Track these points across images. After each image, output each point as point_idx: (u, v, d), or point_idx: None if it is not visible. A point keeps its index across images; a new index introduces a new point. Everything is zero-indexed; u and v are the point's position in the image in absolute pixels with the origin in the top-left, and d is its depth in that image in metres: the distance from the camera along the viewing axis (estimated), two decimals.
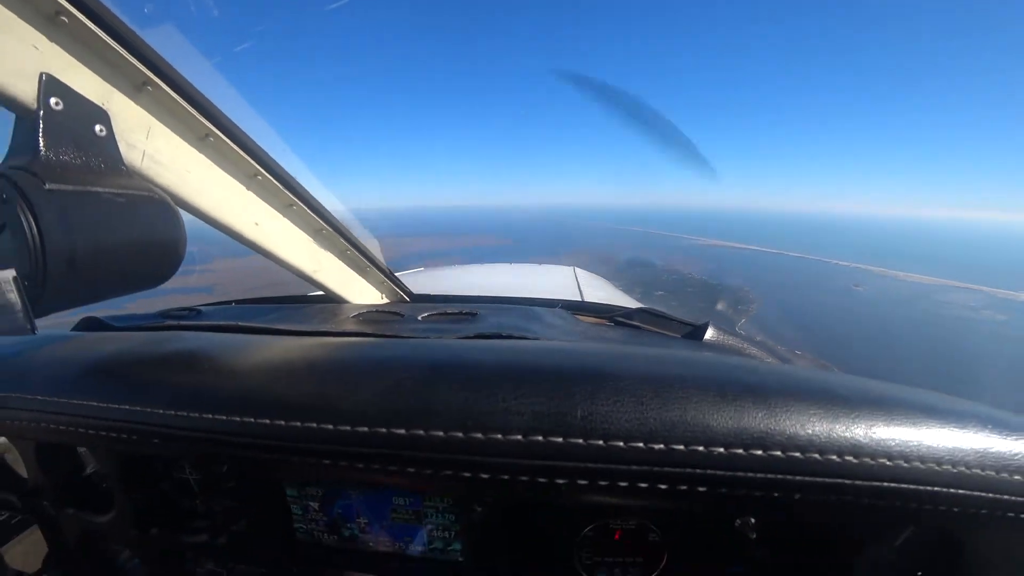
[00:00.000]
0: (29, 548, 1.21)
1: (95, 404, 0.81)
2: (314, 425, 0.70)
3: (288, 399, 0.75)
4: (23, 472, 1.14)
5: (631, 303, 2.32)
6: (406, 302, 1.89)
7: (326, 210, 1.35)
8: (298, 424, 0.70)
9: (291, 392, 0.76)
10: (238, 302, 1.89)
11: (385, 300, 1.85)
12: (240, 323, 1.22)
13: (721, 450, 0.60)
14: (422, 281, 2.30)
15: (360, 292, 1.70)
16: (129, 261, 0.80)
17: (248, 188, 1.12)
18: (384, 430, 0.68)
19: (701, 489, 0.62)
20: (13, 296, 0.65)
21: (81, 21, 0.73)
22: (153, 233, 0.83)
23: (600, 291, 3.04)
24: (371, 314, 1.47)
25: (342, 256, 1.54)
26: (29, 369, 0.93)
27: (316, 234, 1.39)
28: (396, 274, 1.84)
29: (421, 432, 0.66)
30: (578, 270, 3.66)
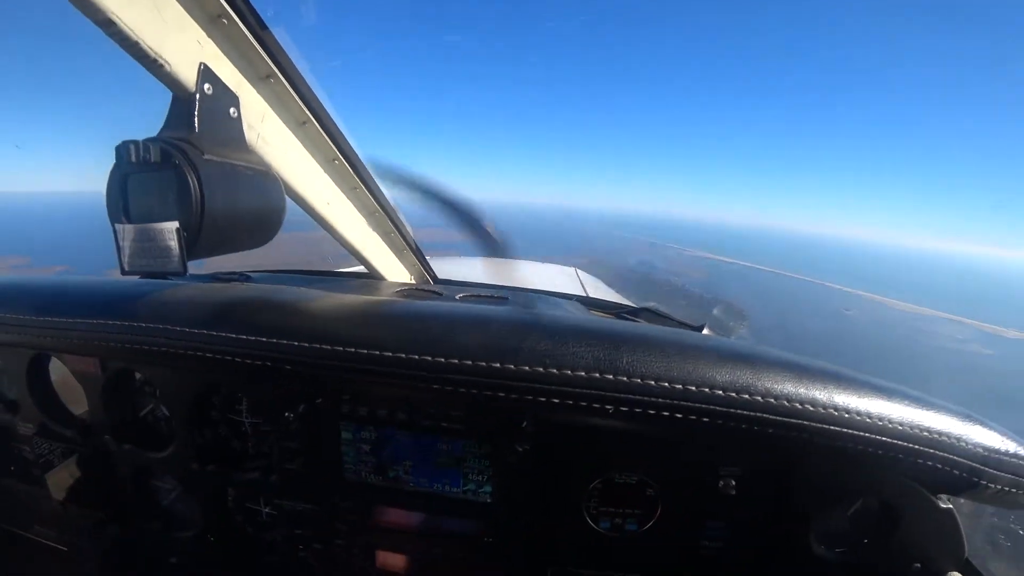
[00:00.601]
0: (66, 478, 1.30)
1: (232, 336, 0.95)
2: (442, 359, 0.88)
3: (407, 341, 0.91)
4: (81, 409, 1.29)
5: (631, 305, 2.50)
6: (432, 284, 2.05)
7: (381, 193, 1.52)
8: (429, 358, 0.88)
9: (409, 333, 0.93)
10: (271, 271, 2.05)
11: (413, 281, 2.02)
12: (321, 288, 1.37)
13: (720, 392, 0.81)
14: (435, 267, 2.47)
15: (395, 271, 1.88)
16: (252, 222, 0.97)
17: (326, 171, 1.29)
18: (484, 364, 0.86)
19: (705, 420, 0.82)
20: (174, 243, 0.83)
21: (236, 21, 0.89)
22: (268, 201, 1.01)
23: (601, 291, 3.22)
24: (413, 291, 1.64)
25: (386, 237, 1.71)
26: (179, 305, 1.07)
27: (370, 216, 1.56)
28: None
29: (512, 366, 0.85)
30: (579, 271, 3.82)
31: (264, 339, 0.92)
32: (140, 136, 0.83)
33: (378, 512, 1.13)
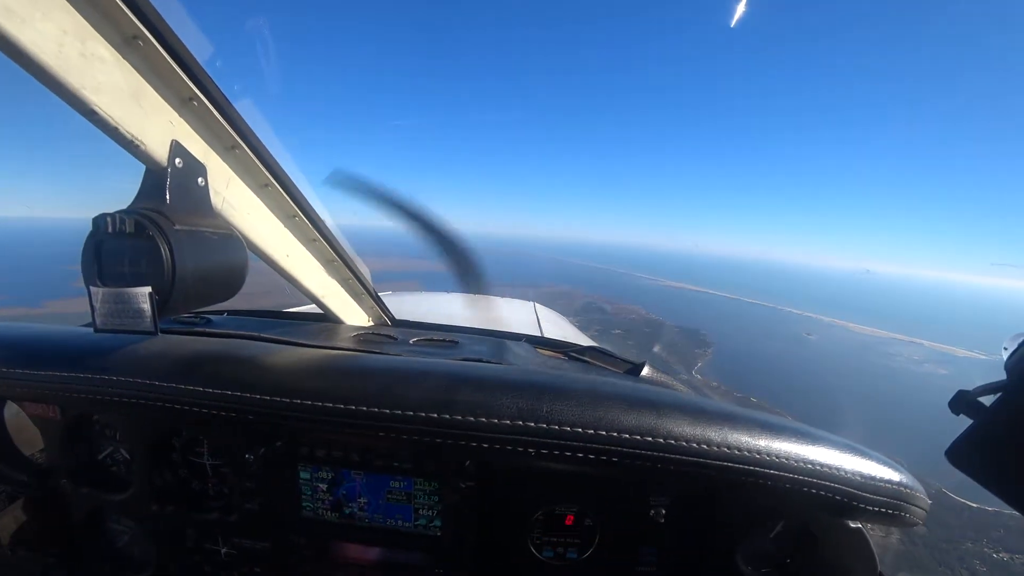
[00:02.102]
0: (10, 523, 1.33)
1: (199, 389, 1.05)
2: (387, 410, 1.00)
3: (357, 394, 1.03)
4: (32, 450, 1.32)
5: (585, 340, 2.65)
6: (389, 325, 2.16)
7: (338, 243, 1.64)
8: (375, 409, 1.00)
9: (357, 387, 1.04)
10: (230, 312, 2.12)
11: (371, 323, 2.12)
12: (279, 336, 1.46)
13: (626, 436, 0.96)
14: (395, 305, 2.57)
15: (354, 315, 1.98)
16: (218, 281, 1.08)
17: (286, 226, 1.41)
18: (423, 414, 0.99)
19: (614, 460, 0.97)
20: (146, 306, 0.93)
21: (205, 103, 1.02)
22: (232, 261, 1.12)
23: (557, 327, 3.35)
24: (369, 335, 1.75)
25: (344, 283, 1.83)
26: (147, 358, 1.14)
27: (328, 264, 1.67)
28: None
29: (447, 416, 0.99)
30: (537, 306, 3.96)
31: (228, 392, 1.02)
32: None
33: (335, 548, 1.23)
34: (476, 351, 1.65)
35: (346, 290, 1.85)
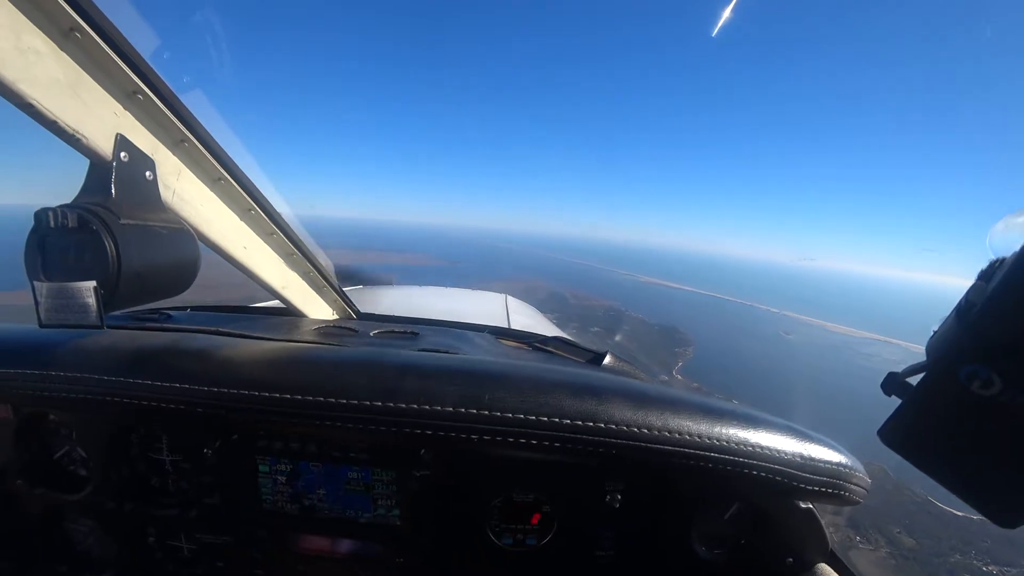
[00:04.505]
0: None
1: (146, 382, 1.06)
2: (332, 400, 1.02)
3: (305, 385, 1.05)
4: None
5: (555, 331, 2.69)
6: (353, 319, 2.17)
7: (298, 238, 1.64)
8: (322, 399, 1.02)
9: (306, 381, 1.06)
10: (193, 308, 2.11)
11: (335, 316, 2.13)
12: (235, 330, 1.47)
13: (567, 421, 1.00)
14: (364, 299, 2.57)
15: (316, 308, 1.99)
16: (167, 275, 1.09)
17: (242, 220, 1.41)
18: (368, 403, 1.01)
19: (556, 445, 1.01)
20: (92, 300, 0.94)
21: (151, 97, 1.02)
22: (182, 256, 1.13)
23: (527, 319, 3.39)
24: (330, 328, 1.76)
25: (305, 276, 1.83)
26: (97, 353, 1.15)
27: (288, 257, 1.68)
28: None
29: (391, 404, 1.02)
30: (509, 298, 4.00)
31: (176, 384, 1.04)
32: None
33: (295, 539, 1.26)
34: (435, 342, 1.68)
35: (307, 283, 1.86)
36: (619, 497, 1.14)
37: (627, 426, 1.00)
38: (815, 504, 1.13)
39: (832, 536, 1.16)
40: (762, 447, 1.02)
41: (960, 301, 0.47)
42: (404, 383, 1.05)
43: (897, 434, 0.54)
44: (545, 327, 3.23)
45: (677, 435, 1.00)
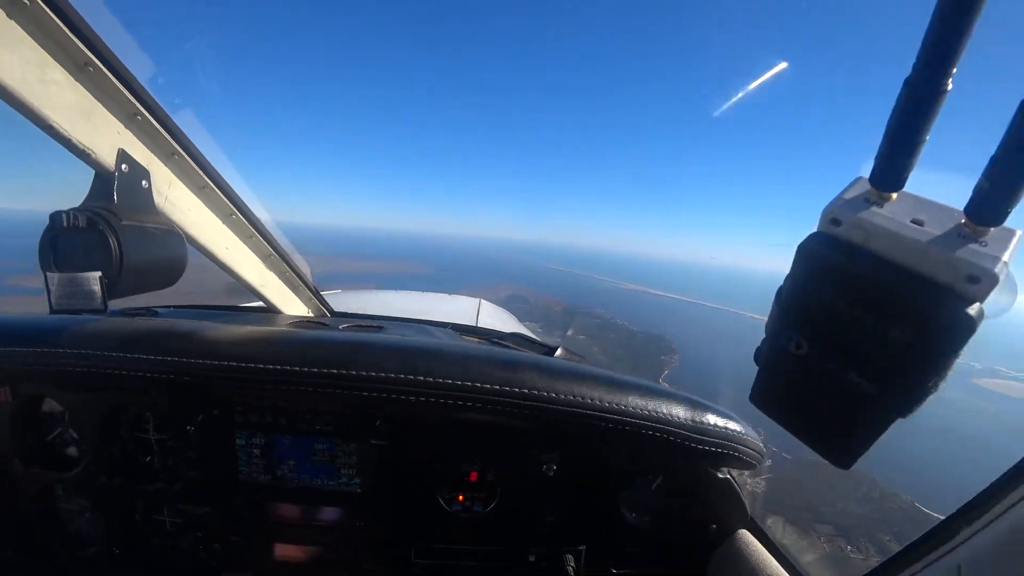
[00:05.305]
0: None
1: (141, 357, 1.23)
2: (297, 368, 1.20)
3: (276, 356, 1.23)
4: None
5: (522, 332, 2.87)
6: (327, 316, 2.35)
7: (275, 240, 1.83)
8: (288, 368, 1.20)
9: (277, 353, 1.24)
10: (176, 307, 2.28)
11: (311, 315, 2.31)
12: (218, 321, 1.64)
13: (487, 385, 1.19)
14: (341, 301, 2.75)
15: (292, 306, 2.17)
16: (160, 270, 1.28)
17: (224, 223, 1.60)
18: (327, 371, 1.20)
19: (478, 406, 1.20)
20: (97, 288, 1.12)
21: (148, 118, 1.21)
22: (173, 253, 1.31)
23: (496, 320, 3.56)
24: (301, 322, 1.94)
25: (282, 276, 2.02)
26: (95, 334, 1.31)
27: (266, 258, 1.86)
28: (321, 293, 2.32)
29: (345, 371, 1.20)
30: (483, 302, 4.15)
31: (167, 358, 1.22)
32: None
33: (268, 507, 1.42)
34: (396, 334, 1.87)
35: (284, 283, 2.04)
36: (554, 467, 1.32)
37: (537, 390, 1.19)
38: (731, 475, 1.32)
39: (751, 506, 1.35)
40: (659, 412, 1.21)
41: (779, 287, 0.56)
42: (358, 355, 1.23)
43: (756, 396, 0.65)
44: (513, 328, 3.41)
45: (581, 399, 1.19)
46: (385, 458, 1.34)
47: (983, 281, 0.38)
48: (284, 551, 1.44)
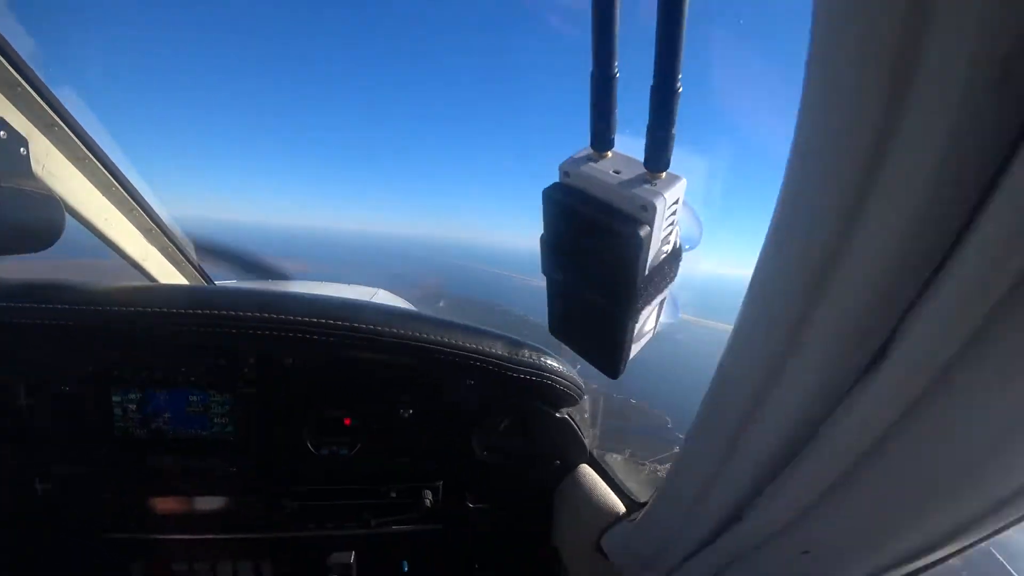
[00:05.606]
0: None
1: (32, 306, 1.27)
2: (165, 310, 1.31)
3: (147, 302, 1.32)
4: None
5: None
6: None
7: (157, 216, 1.91)
8: (158, 309, 1.30)
9: (148, 300, 1.33)
10: None
11: None
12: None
13: (327, 320, 1.32)
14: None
15: (174, 280, 2.22)
16: (34, 229, 1.35)
17: (104, 195, 1.68)
18: (190, 311, 1.31)
19: (322, 339, 1.32)
20: None
21: (27, 89, 1.29)
22: (48, 217, 1.39)
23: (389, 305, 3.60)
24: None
25: (164, 251, 2.08)
26: None
27: (147, 232, 1.93)
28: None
29: (207, 311, 1.30)
30: (381, 291, 4.17)
31: (55, 306, 1.28)
32: None
33: (145, 460, 1.47)
34: None
35: (166, 257, 2.10)
36: (410, 411, 1.48)
37: (369, 325, 1.34)
38: (569, 415, 1.52)
39: (590, 444, 1.60)
40: (479, 346, 1.38)
41: None
42: (220, 299, 1.34)
43: (552, 328, 0.77)
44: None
45: (408, 333, 1.35)
46: (254, 406, 1.44)
47: (648, 210, 0.51)
48: (163, 504, 1.53)
